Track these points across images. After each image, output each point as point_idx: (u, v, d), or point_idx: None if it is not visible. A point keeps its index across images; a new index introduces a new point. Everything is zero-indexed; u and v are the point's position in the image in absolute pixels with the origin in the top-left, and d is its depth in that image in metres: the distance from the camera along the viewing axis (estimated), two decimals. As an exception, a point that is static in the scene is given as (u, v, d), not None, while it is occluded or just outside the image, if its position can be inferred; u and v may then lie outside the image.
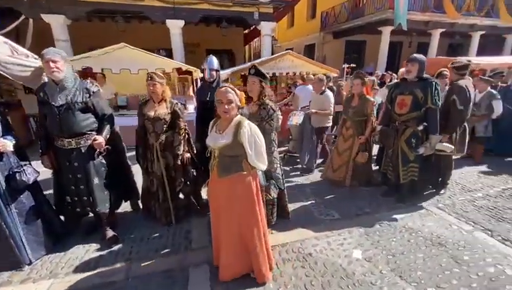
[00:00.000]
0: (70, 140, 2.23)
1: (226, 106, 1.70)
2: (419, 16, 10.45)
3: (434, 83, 2.82)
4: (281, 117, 2.48)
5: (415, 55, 2.92)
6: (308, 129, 4.33)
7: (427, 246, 2.44)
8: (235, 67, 7.06)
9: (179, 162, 2.61)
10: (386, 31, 11.01)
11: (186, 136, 2.68)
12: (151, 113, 2.48)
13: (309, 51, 17.51)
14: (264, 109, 2.34)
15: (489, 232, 2.64)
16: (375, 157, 4.26)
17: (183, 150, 2.62)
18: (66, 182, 2.35)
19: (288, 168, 4.47)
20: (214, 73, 2.88)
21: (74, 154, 2.27)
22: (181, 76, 6.96)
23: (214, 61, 2.84)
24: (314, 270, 2.16)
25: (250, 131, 1.73)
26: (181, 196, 2.88)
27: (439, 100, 2.84)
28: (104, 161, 2.43)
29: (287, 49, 20.35)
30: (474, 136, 4.45)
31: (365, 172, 3.64)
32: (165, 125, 2.52)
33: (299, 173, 4.33)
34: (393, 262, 2.24)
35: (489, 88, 4.43)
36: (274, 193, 2.54)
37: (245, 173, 1.80)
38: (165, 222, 2.76)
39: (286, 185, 3.78)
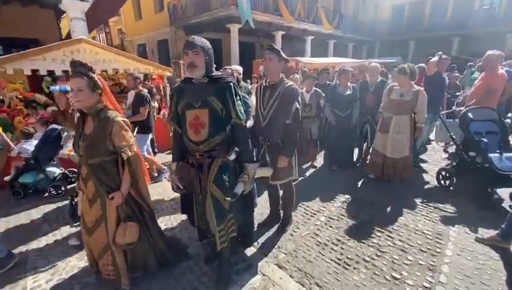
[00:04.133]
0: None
1: None
2: (261, 16, 10.61)
3: (232, 84, 1.69)
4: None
5: (193, 37, 1.70)
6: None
7: None
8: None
9: None
10: (234, 28, 10.64)
11: None
12: None
13: (163, 48, 15.43)
14: None
15: (337, 305, 1.79)
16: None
17: None
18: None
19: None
20: None
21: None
22: None
23: None
24: None
25: None
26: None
27: (245, 111, 1.76)
28: None
29: (138, 45, 17.51)
30: (311, 139, 4.08)
31: (143, 253, 1.94)
32: None
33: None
34: None
35: (313, 87, 4.08)
36: None
37: None
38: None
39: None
